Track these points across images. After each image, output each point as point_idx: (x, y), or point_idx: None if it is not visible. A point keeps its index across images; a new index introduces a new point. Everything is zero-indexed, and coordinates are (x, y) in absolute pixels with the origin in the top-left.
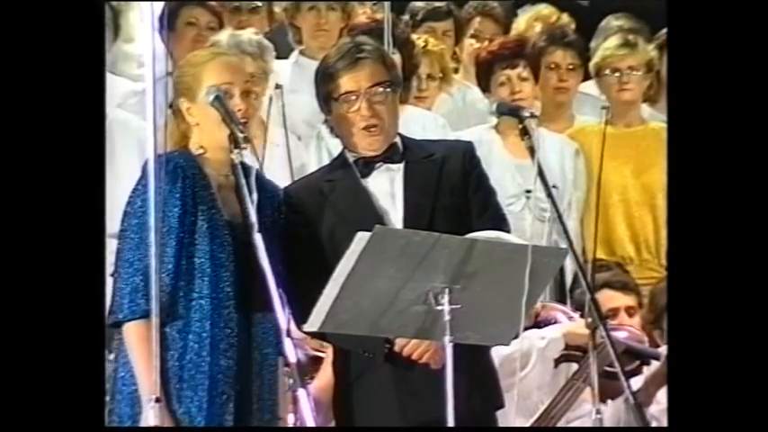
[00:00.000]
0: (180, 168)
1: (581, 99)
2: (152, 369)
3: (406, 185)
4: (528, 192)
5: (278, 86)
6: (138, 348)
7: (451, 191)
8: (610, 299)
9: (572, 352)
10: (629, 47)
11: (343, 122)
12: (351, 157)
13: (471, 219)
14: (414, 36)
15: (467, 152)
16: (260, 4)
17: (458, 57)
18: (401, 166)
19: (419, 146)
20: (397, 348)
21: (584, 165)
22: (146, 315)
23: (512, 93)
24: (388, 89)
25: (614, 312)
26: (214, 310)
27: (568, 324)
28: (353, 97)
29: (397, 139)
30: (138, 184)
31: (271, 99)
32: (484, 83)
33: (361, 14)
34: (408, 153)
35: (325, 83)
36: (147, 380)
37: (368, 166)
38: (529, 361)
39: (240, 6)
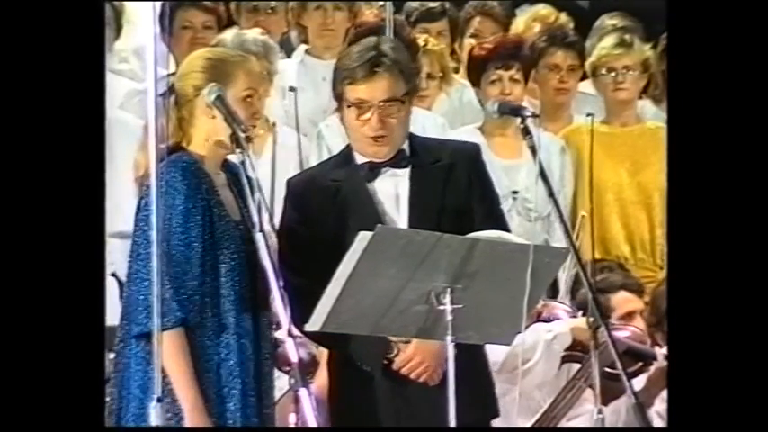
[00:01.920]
0: (195, 171)
1: (580, 98)
2: (190, 379)
3: (411, 192)
4: (515, 192)
5: (292, 89)
6: (174, 358)
7: (457, 198)
8: (626, 302)
9: (574, 352)
10: (625, 46)
11: (351, 127)
12: (357, 159)
13: (474, 225)
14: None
15: (473, 157)
16: (275, 3)
17: (457, 56)
18: (407, 171)
19: (427, 149)
20: (395, 366)
21: (570, 162)
22: (179, 323)
23: (501, 93)
24: (404, 103)
25: (630, 316)
26: (237, 313)
27: (576, 320)
28: (365, 107)
29: (406, 143)
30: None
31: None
32: (475, 78)
33: (368, 13)
34: (415, 158)
35: (340, 83)
36: (187, 390)
37: (374, 170)
38: (534, 354)
39: (258, 6)
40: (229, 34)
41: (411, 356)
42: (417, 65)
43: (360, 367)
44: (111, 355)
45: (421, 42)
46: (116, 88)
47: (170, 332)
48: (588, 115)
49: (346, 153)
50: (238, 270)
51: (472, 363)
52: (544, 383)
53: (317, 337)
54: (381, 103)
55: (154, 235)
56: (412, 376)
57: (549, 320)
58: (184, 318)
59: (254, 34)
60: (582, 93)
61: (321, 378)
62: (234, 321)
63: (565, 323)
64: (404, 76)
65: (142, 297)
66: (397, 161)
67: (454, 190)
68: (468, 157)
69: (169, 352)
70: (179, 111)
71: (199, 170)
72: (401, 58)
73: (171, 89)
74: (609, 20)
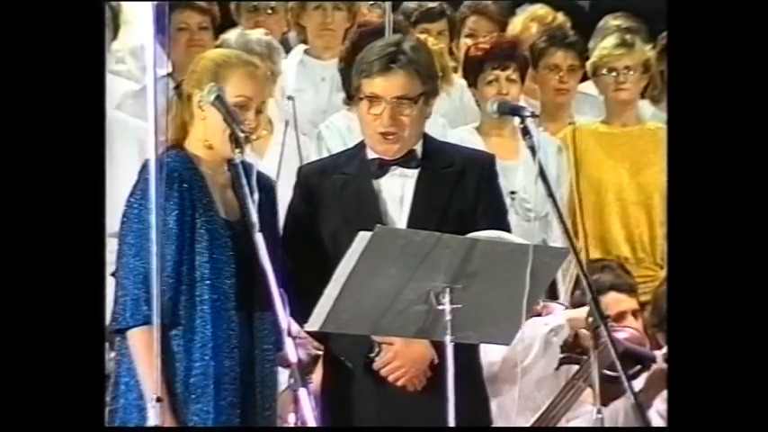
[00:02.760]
0: (176, 172)
1: (580, 99)
2: (157, 377)
3: (416, 193)
4: (513, 193)
5: (290, 98)
6: (143, 355)
7: (461, 205)
8: (617, 302)
9: (574, 354)
10: (626, 47)
11: (363, 121)
12: (369, 155)
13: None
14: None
15: (485, 167)
16: (275, 3)
17: (455, 56)
18: (416, 172)
19: (440, 152)
20: (375, 366)
21: (566, 162)
22: (149, 321)
23: (498, 93)
24: (417, 102)
25: (621, 316)
26: (216, 312)
27: (571, 311)
28: (377, 102)
29: (419, 144)
30: (136, 188)
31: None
32: (471, 79)
33: (372, 13)
34: (426, 161)
35: (357, 76)
36: (153, 386)
37: (382, 167)
38: (533, 349)
39: (258, 6)
40: (233, 34)
41: (390, 360)
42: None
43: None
44: (112, 354)
45: None
46: (113, 89)
47: (139, 329)
48: (570, 123)
49: (360, 147)
50: (223, 270)
51: (465, 371)
52: (544, 379)
53: (311, 333)
54: (394, 100)
55: (153, 234)
56: (390, 379)
57: None
58: (150, 317)
59: (257, 35)
60: (582, 93)
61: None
62: (211, 321)
63: (561, 315)
64: (420, 76)
65: (119, 294)
66: (406, 161)
67: (460, 197)
68: (481, 165)
69: (136, 349)
70: (182, 111)
71: (184, 170)
72: (420, 58)
73: (176, 88)
74: (613, 20)
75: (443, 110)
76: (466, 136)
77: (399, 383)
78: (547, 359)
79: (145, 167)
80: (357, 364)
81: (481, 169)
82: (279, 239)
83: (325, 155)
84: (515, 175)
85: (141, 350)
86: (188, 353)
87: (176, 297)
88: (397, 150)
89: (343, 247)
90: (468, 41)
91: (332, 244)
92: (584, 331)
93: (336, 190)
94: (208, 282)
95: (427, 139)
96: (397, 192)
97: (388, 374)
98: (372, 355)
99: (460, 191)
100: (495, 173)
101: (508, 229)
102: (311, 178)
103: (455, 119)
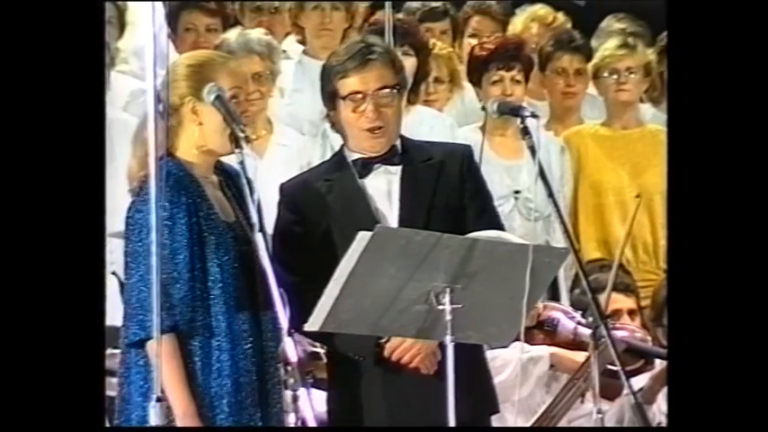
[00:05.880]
0: (178, 178)
1: (588, 100)
2: (183, 384)
3: (402, 188)
4: (516, 192)
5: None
6: (167, 364)
7: (448, 195)
8: (612, 301)
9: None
10: (628, 48)
11: (347, 122)
12: (349, 156)
13: (466, 222)
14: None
15: (464, 156)
16: (278, 4)
17: (459, 56)
18: (399, 168)
19: (418, 148)
20: (386, 353)
21: (569, 162)
22: (169, 329)
23: (503, 93)
24: (395, 92)
25: (617, 315)
26: (229, 315)
27: (560, 350)
28: (360, 98)
29: (398, 141)
30: (140, 194)
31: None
32: (476, 78)
33: (379, 12)
34: (407, 156)
35: (332, 80)
36: (179, 395)
37: (366, 166)
38: (504, 371)
39: (262, 6)
40: (233, 34)
41: (401, 341)
42: (429, 68)
43: (352, 359)
44: (117, 351)
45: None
46: (121, 88)
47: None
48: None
49: (339, 155)
50: (230, 272)
51: (469, 358)
52: (519, 402)
53: (312, 334)
54: (376, 92)
55: (153, 236)
56: (404, 360)
57: (549, 321)
58: (173, 325)
59: (257, 34)
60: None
61: None
62: (226, 323)
63: (547, 349)
64: (394, 65)
65: (134, 306)
66: (389, 157)
67: (445, 187)
68: (460, 155)
69: (160, 358)
70: (167, 119)
71: (185, 177)
72: (388, 49)
73: (159, 98)
74: (616, 23)
75: (445, 111)
76: (470, 135)
77: (413, 365)
78: (524, 385)
79: (149, 168)
80: (368, 356)
81: (461, 159)
82: (270, 237)
83: (329, 154)
84: (519, 175)
85: (165, 359)
86: (206, 358)
87: (192, 303)
88: (384, 144)
89: (335, 250)
90: (472, 41)
91: (324, 249)
92: (584, 330)
93: (322, 196)
94: (220, 285)
95: (403, 138)
96: (384, 189)
97: (401, 356)
98: (383, 341)
99: (444, 181)
100: (475, 161)
101: (497, 216)
102: (294, 191)
103: (457, 120)
